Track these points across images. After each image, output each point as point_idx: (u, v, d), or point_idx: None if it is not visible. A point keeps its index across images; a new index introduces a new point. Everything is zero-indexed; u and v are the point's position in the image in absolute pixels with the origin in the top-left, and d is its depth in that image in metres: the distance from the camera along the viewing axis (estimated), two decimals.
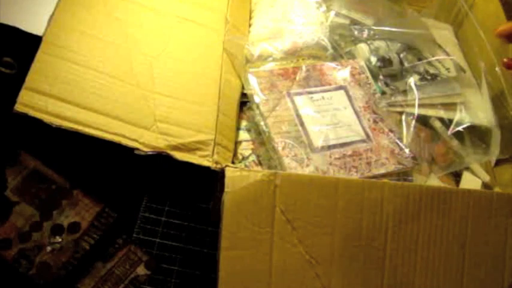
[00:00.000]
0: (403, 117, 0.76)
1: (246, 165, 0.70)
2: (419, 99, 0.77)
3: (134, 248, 0.72)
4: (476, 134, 0.78)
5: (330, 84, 0.76)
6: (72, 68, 0.64)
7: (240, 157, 0.71)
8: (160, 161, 0.63)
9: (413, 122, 0.75)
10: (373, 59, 0.80)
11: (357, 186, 0.57)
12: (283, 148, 0.67)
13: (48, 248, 0.69)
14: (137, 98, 0.65)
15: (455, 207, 0.59)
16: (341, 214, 0.57)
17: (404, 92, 0.78)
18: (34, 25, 0.66)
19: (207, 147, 0.64)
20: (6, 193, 0.71)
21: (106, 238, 0.72)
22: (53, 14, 0.67)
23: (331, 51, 0.81)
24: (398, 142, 0.72)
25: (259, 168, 0.70)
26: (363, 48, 0.82)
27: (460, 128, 0.77)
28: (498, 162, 0.78)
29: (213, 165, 0.63)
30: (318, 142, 0.68)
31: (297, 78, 0.75)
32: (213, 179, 0.65)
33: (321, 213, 0.56)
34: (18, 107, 0.59)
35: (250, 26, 0.84)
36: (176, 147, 0.63)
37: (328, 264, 0.56)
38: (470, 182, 0.76)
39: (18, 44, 0.66)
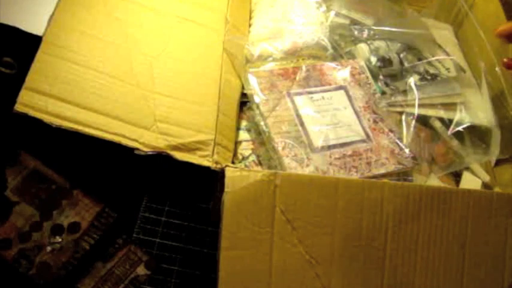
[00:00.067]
0: (403, 117, 0.76)
1: (246, 165, 0.70)
2: (419, 99, 0.77)
3: (134, 248, 0.72)
4: (476, 134, 0.78)
5: (330, 84, 0.76)
6: (72, 68, 0.64)
7: (240, 157, 0.71)
8: (160, 161, 0.63)
9: (413, 122, 0.75)
10: (373, 59, 0.80)
11: (357, 186, 0.57)
12: (283, 148, 0.67)
13: (48, 248, 0.69)
14: (137, 98, 0.65)
15: (455, 207, 0.59)
16: (341, 214, 0.57)
17: (404, 92, 0.78)
18: (34, 25, 0.66)
19: (207, 147, 0.64)
20: (6, 193, 0.71)
21: (106, 238, 0.71)
22: (53, 14, 0.67)
23: (331, 51, 0.81)
24: (398, 142, 0.72)
25: (259, 168, 0.70)
26: (363, 48, 0.82)
27: (460, 128, 0.77)
28: (498, 162, 0.78)
29: (213, 165, 0.63)
30: (318, 142, 0.68)
31: (297, 78, 0.75)
32: (213, 179, 0.65)
33: (321, 213, 0.56)
34: (18, 107, 0.59)
35: (250, 26, 0.84)
36: (176, 147, 0.63)
37: (328, 264, 0.56)
38: (470, 182, 0.75)
39: (18, 44, 0.66)
